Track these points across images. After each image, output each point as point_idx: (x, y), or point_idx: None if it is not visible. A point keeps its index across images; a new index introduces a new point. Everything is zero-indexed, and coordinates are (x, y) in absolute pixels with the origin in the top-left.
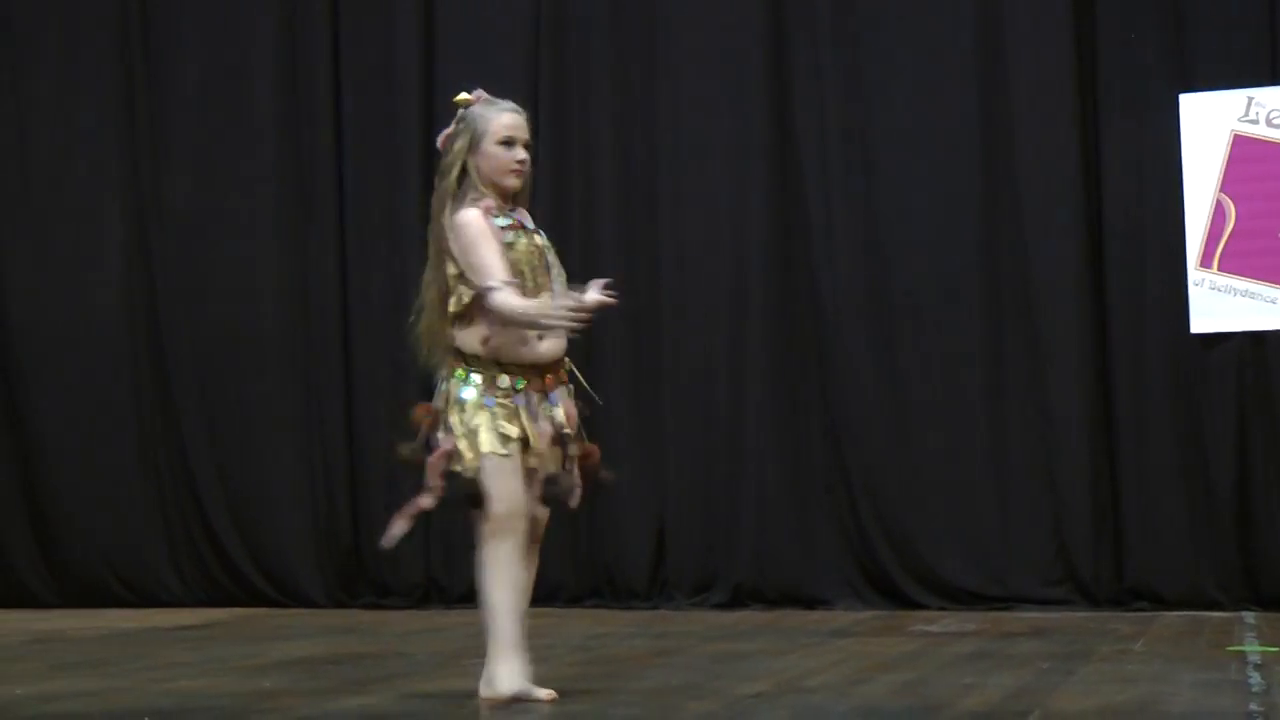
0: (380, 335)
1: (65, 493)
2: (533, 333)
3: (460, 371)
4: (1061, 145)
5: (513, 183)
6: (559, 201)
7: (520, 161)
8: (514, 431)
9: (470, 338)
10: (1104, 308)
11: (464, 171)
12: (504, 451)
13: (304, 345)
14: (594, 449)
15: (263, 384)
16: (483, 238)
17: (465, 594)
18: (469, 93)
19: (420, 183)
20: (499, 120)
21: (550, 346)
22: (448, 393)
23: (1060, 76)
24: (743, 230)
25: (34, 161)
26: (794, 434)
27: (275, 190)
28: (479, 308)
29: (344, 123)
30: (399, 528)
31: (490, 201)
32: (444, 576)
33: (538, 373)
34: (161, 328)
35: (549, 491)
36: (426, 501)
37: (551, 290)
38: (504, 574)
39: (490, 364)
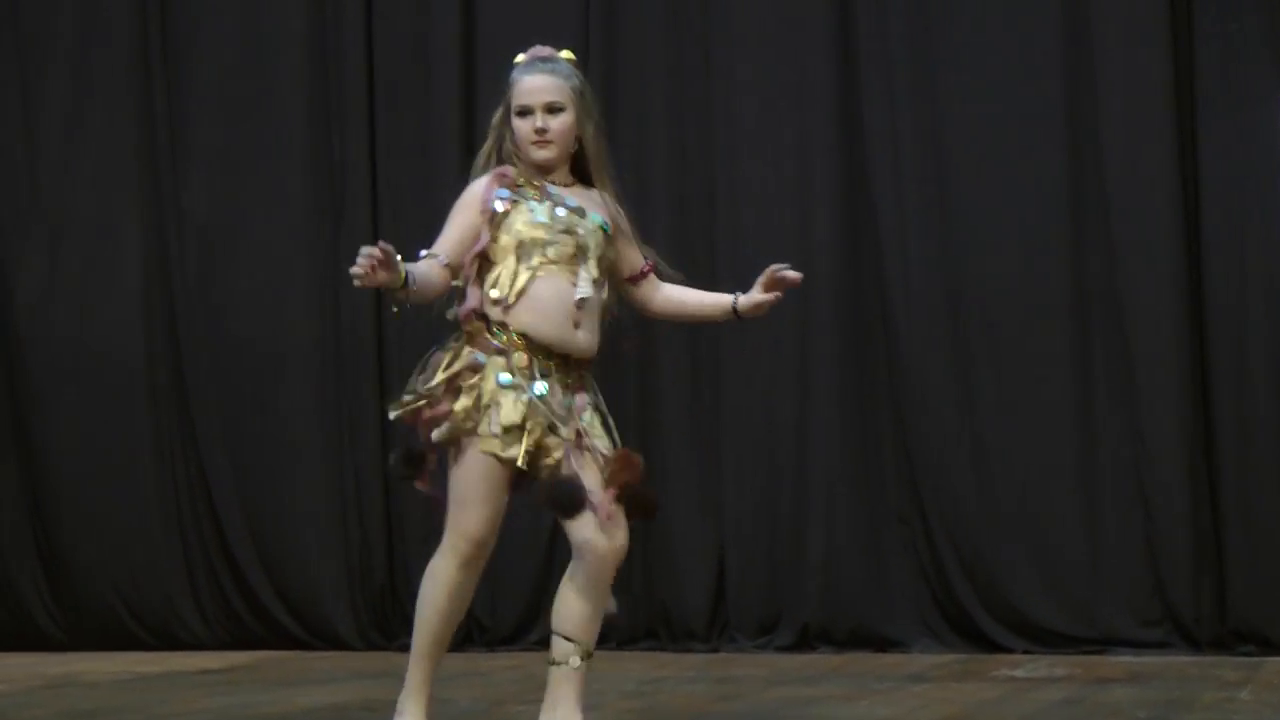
0: (418, 352)
1: (77, 525)
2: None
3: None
4: (1155, 143)
5: (538, 155)
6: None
7: (539, 130)
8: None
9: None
10: (1202, 319)
11: (502, 142)
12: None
13: (335, 364)
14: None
15: (291, 406)
16: (458, 209)
17: (509, 635)
18: (525, 53)
19: (459, 185)
20: (518, 86)
21: (580, 339)
22: (443, 361)
23: (1154, 69)
24: (807, 236)
25: (44, 168)
26: (864, 459)
27: (304, 196)
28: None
29: (377, 122)
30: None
31: (507, 169)
32: (486, 616)
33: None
34: (181, 346)
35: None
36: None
37: (577, 277)
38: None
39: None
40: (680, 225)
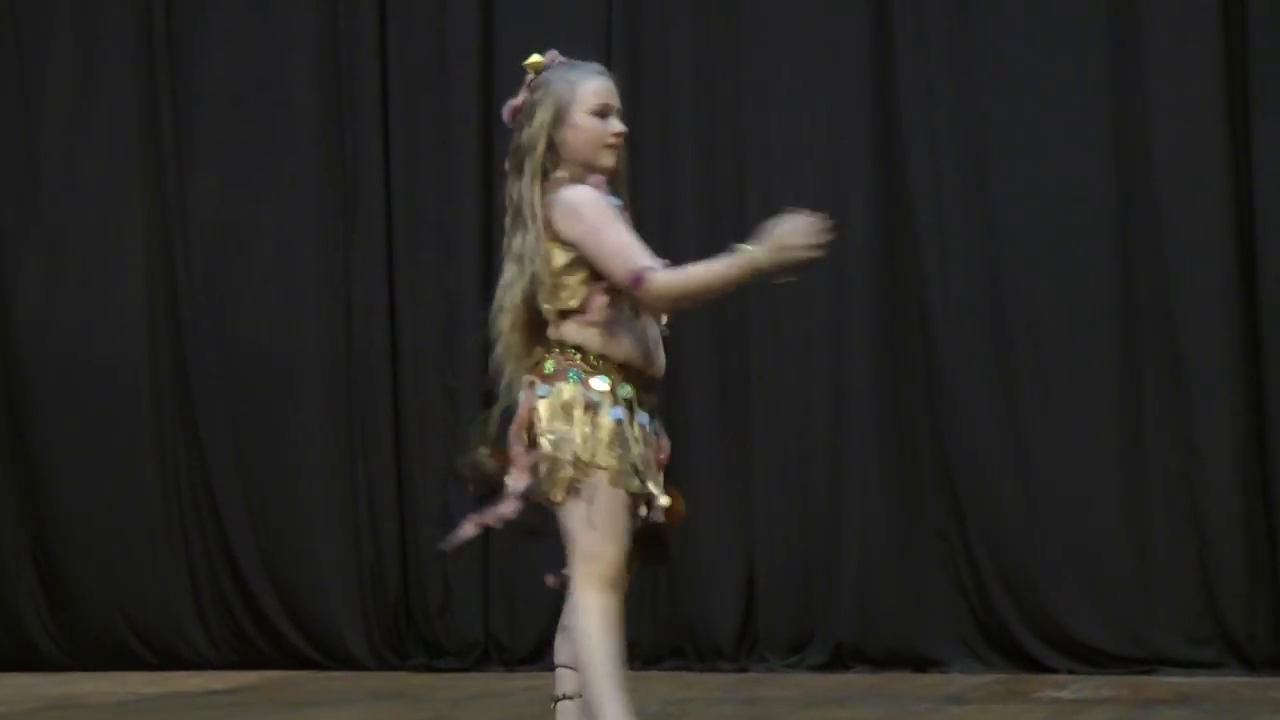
0: (433, 361)
1: (77, 540)
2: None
3: (577, 371)
4: (1206, 140)
5: (608, 161)
6: (632, 206)
7: (618, 135)
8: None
9: (590, 333)
10: (1257, 329)
11: (550, 149)
12: (634, 483)
13: (347, 373)
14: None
15: (301, 416)
16: (609, 217)
17: (529, 654)
18: (541, 54)
19: (478, 186)
20: (587, 85)
21: (663, 361)
22: (546, 399)
23: (1206, 67)
24: (841, 239)
25: (45, 168)
26: (901, 471)
27: (315, 198)
28: (603, 305)
29: (391, 121)
30: (468, 530)
31: (599, 178)
32: (505, 634)
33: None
34: (187, 354)
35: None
36: (509, 508)
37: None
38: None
39: (613, 368)
40: (709, 231)
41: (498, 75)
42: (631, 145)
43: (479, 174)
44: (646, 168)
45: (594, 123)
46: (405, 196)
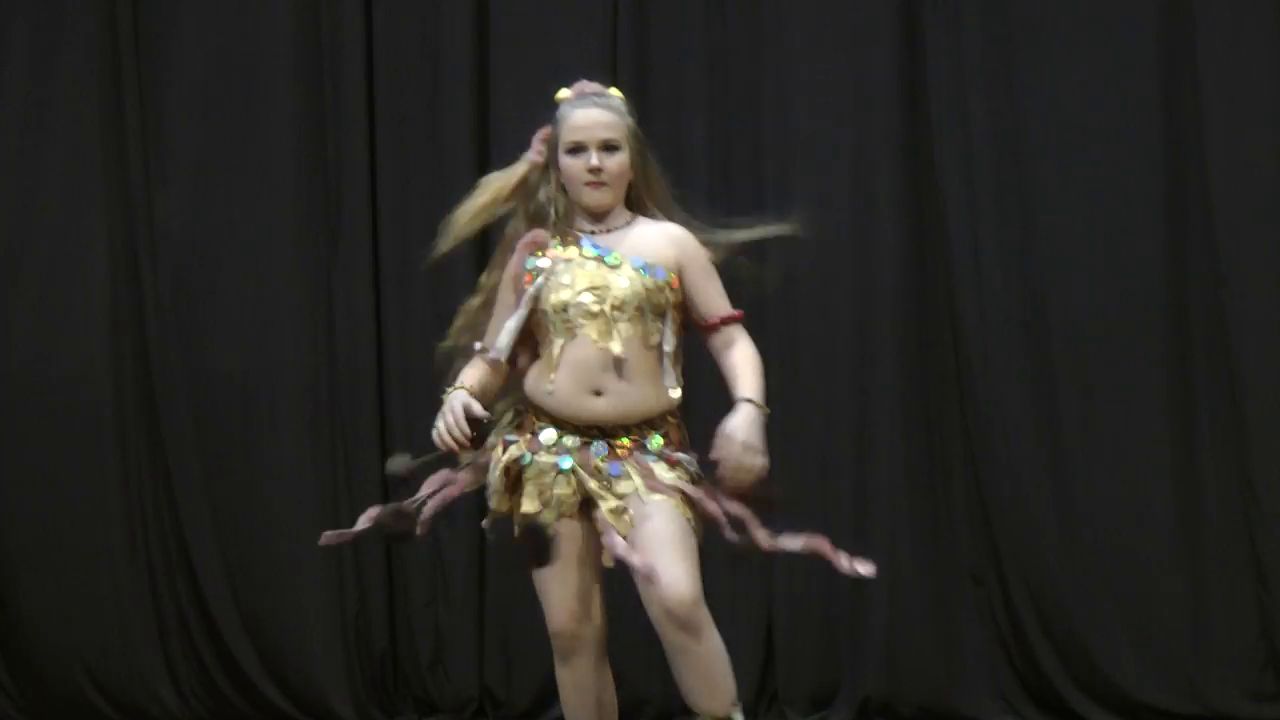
0: (424, 391)
1: (35, 588)
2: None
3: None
4: (1266, 142)
5: (592, 199)
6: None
7: (594, 170)
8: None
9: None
10: None
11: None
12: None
13: (329, 400)
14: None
15: (279, 448)
16: (501, 289)
17: (527, 709)
18: (569, 87)
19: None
20: (566, 122)
21: (602, 405)
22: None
23: (1263, 69)
24: (868, 251)
25: None
26: (932, 506)
27: (294, 209)
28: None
29: (378, 126)
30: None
31: (539, 233)
32: (501, 688)
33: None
34: (155, 382)
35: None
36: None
37: (610, 345)
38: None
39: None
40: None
41: (494, 76)
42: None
43: (472, 182)
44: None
45: (569, 161)
46: (393, 208)
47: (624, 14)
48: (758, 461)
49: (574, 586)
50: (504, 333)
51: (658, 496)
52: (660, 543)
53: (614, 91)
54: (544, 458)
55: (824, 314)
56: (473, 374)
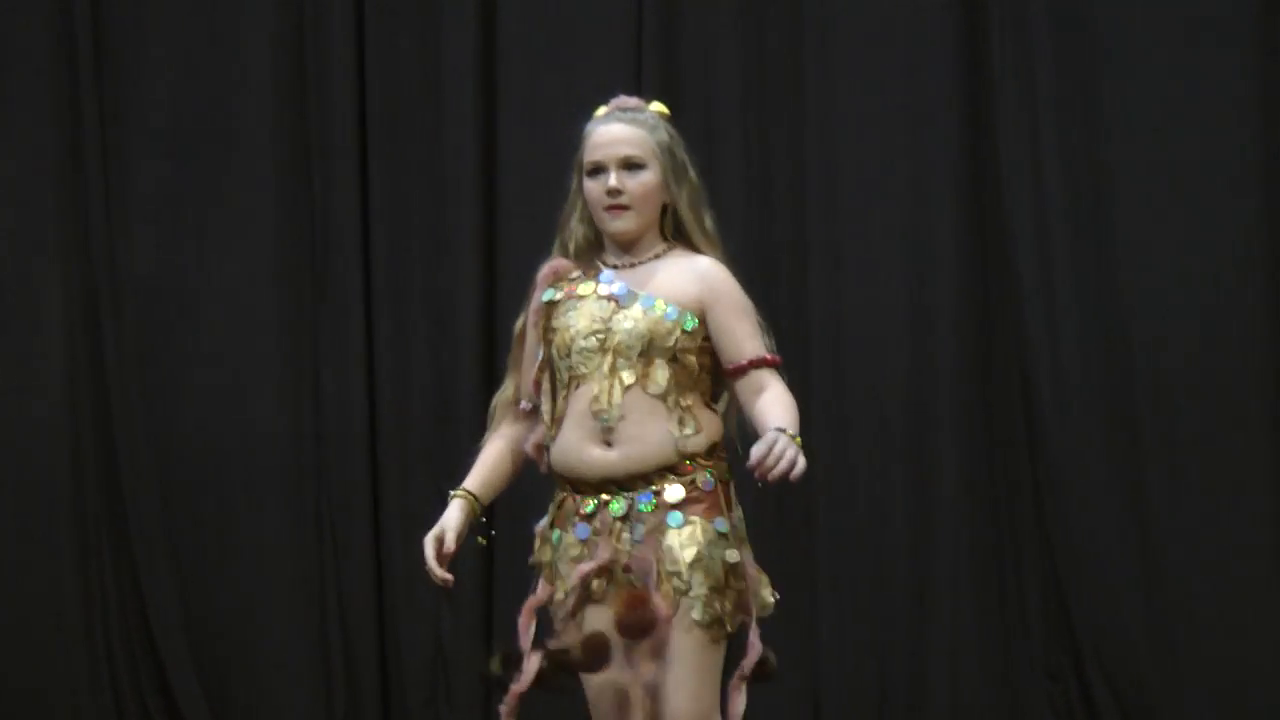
0: (422, 455)
1: None
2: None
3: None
4: None
5: (613, 225)
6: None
7: (613, 192)
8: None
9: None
10: None
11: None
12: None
13: (314, 469)
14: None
15: (258, 524)
16: (524, 329)
17: None
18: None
19: (478, 241)
20: (589, 140)
21: (613, 456)
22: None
23: None
24: (925, 293)
25: None
26: (1000, 591)
27: (276, 255)
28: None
29: (371, 162)
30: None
31: (559, 261)
32: None
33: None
34: (116, 442)
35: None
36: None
37: (612, 392)
38: None
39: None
40: (762, 283)
41: (502, 106)
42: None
43: (478, 226)
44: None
45: (588, 184)
46: (387, 253)
47: (647, 50)
48: (794, 451)
49: (616, 691)
50: (527, 378)
51: (683, 593)
52: (672, 655)
53: (654, 106)
54: (570, 534)
55: (879, 375)
56: (485, 460)
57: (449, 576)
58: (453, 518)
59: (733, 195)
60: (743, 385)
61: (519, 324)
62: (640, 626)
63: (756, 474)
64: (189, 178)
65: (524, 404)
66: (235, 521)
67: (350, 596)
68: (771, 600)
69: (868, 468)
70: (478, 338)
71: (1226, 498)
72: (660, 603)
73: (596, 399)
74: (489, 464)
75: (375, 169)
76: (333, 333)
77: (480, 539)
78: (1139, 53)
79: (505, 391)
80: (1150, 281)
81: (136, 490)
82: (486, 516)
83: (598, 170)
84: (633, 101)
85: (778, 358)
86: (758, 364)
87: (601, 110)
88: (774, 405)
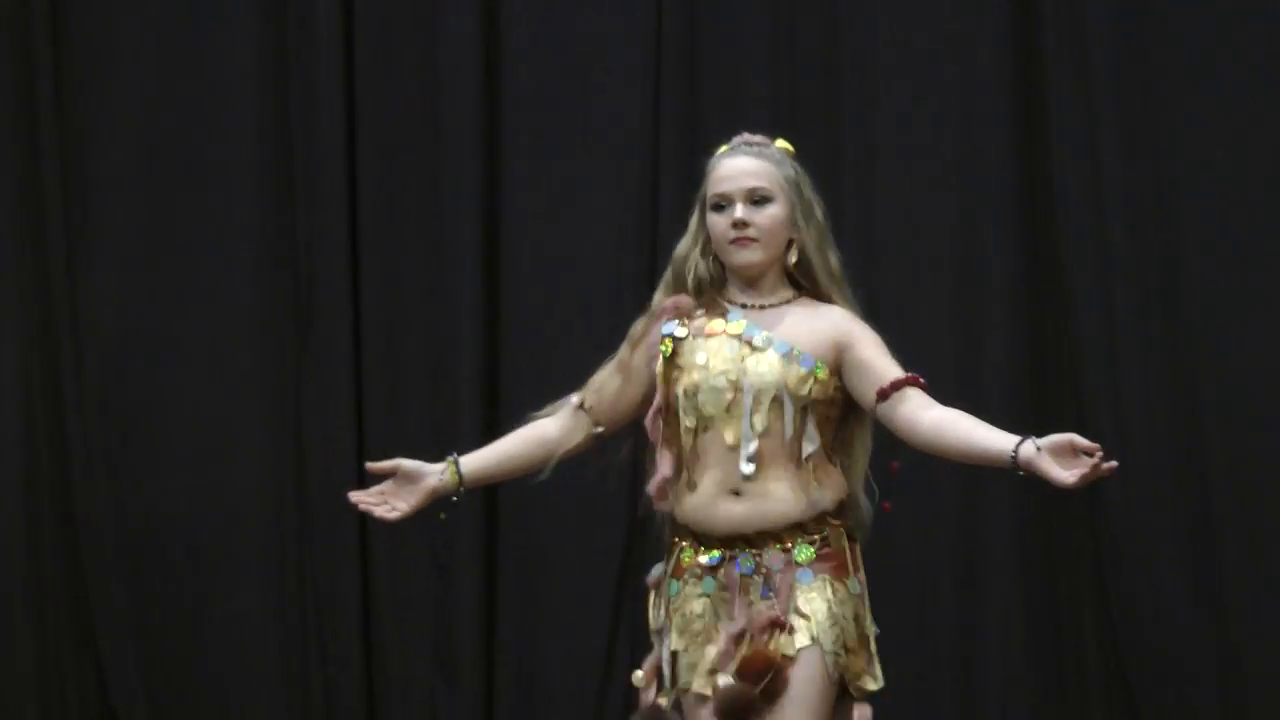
0: (418, 524)
1: None
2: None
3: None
4: None
5: (739, 258)
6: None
7: (739, 224)
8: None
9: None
10: None
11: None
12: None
13: (298, 538)
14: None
15: (234, 601)
16: (626, 349)
17: None
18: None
19: (479, 276)
20: (713, 174)
21: (741, 510)
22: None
23: None
24: (972, 342)
25: None
26: (1059, 674)
27: (254, 295)
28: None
29: (361, 191)
30: None
31: (685, 300)
32: None
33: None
34: (77, 511)
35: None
36: None
37: (740, 443)
38: None
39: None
40: None
41: (505, 127)
42: (683, 204)
43: (478, 269)
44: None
45: (713, 219)
46: (379, 292)
47: (667, 61)
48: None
49: None
50: (603, 384)
51: (799, 640)
52: (789, 702)
53: (780, 143)
54: (690, 586)
55: None
56: (503, 445)
57: (380, 466)
58: (427, 465)
59: None
60: (897, 404)
61: (637, 327)
62: (764, 680)
63: (1095, 463)
64: (160, 208)
65: (576, 400)
66: (209, 596)
67: (340, 679)
68: (879, 683)
69: (914, 537)
70: (476, 390)
71: None
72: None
73: (731, 445)
74: (503, 452)
75: (365, 206)
76: (319, 381)
77: (441, 514)
78: (1208, 53)
79: (585, 389)
80: (1223, 325)
81: (99, 561)
82: (457, 496)
83: (723, 203)
84: (757, 137)
85: (923, 380)
86: (911, 382)
87: (725, 146)
88: (975, 422)
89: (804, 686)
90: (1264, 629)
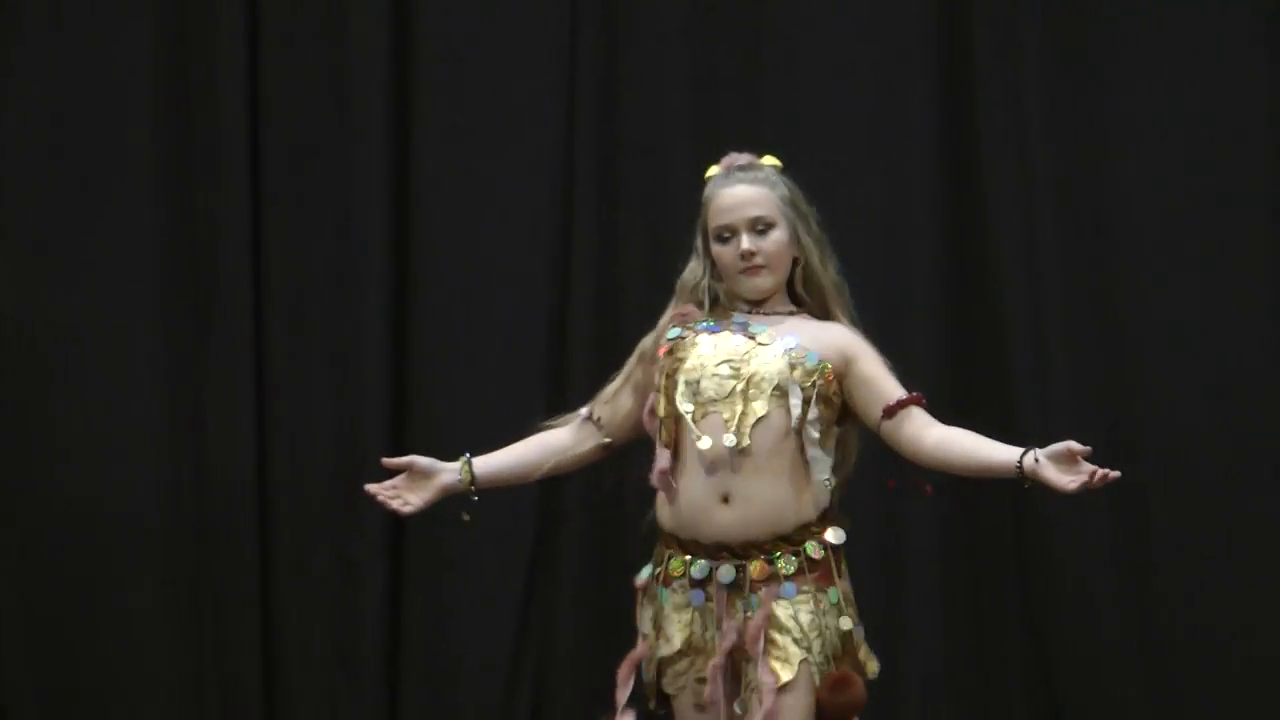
0: (323, 519)
1: None
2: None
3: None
4: None
5: (749, 285)
6: (608, 270)
7: (747, 255)
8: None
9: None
10: None
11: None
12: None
13: (196, 536)
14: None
15: (129, 592)
16: (634, 359)
17: None
18: (719, 164)
19: (387, 273)
20: (713, 204)
21: (729, 519)
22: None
23: None
24: (896, 322)
25: None
26: (982, 673)
27: (152, 289)
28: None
29: (264, 185)
30: None
31: (693, 309)
32: None
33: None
34: None
35: None
36: None
37: (743, 420)
38: None
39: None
40: None
41: (417, 123)
42: (599, 190)
43: (387, 258)
44: (638, 229)
45: (720, 250)
46: (283, 287)
47: (582, 48)
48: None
49: None
50: (613, 396)
51: (787, 671)
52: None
53: (767, 159)
54: (679, 595)
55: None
56: (515, 450)
57: (395, 461)
58: (440, 463)
59: (675, 224)
60: (902, 423)
61: (647, 343)
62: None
63: (1095, 471)
64: (51, 202)
65: (585, 412)
66: (104, 597)
67: (235, 684)
68: (876, 668)
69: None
70: (386, 381)
71: (1248, 577)
72: (773, 669)
73: (727, 423)
74: (515, 455)
75: (268, 191)
76: (220, 375)
77: (465, 515)
78: (1145, 54)
79: (595, 401)
80: (1160, 323)
81: None
82: (470, 492)
83: (728, 235)
84: (744, 158)
85: (924, 399)
86: (915, 402)
87: (714, 170)
88: (977, 438)
89: (790, 715)
90: (1189, 606)
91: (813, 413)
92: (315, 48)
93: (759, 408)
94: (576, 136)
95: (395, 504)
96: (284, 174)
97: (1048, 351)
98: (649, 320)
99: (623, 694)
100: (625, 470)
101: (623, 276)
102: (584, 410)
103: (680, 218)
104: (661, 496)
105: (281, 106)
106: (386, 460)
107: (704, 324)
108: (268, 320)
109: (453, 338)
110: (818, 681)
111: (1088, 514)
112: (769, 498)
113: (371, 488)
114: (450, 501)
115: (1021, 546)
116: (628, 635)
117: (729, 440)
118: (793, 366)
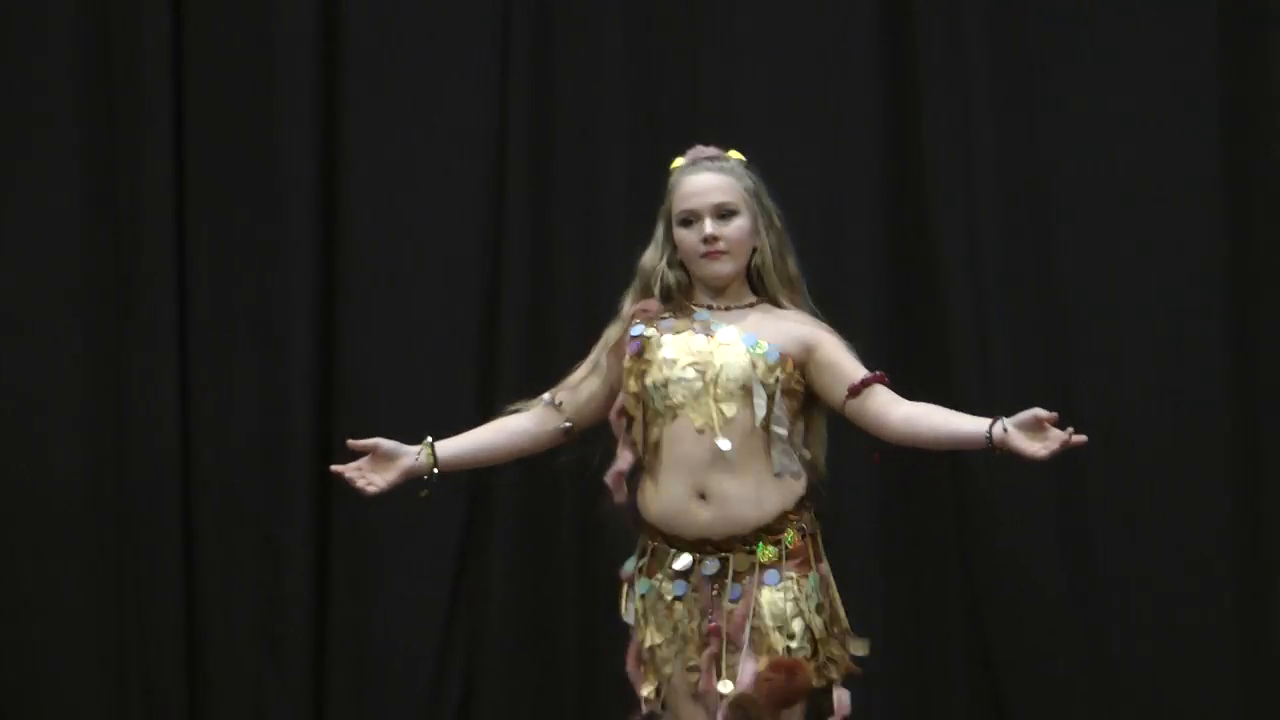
0: (246, 499)
1: None
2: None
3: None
4: None
5: (710, 270)
6: (542, 244)
7: (709, 239)
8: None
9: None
10: None
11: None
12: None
13: (115, 514)
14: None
15: (49, 576)
16: (598, 350)
17: None
18: (685, 155)
19: (314, 245)
20: (678, 190)
21: (707, 516)
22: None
23: None
24: (837, 306)
25: None
26: (925, 668)
27: (72, 264)
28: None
29: (187, 155)
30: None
31: (651, 302)
32: None
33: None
34: None
35: None
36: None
37: (714, 435)
38: None
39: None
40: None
41: (348, 84)
42: (535, 185)
43: (314, 234)
44: (573, 222)
45: (682, 234)
46: (208, 262)
47: (515, 35)
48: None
49: None
50: (578, 383)
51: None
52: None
53: (733, 154)
54: (666, 585)
55: None
56: (479, 433)
57: (360, 443)
58: (404, 446)
59: (613, 210)
60: (866, 401)
61: (610, 332)
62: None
63: (1062, 436)
64: None
65: (548, 398)
66: (20, 573)
67: (157, 668)
68: (864, 647)
69: None
70: (313, 356)
71: (1184, 563)
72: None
73: (702, 430)
74: (477, 439)
75: (192, 168)
76: (141, 352)
77: (422, 491)
78: (1090, 49)
79: (559, 387)
80: (1098, 310)
81: None
82: (429, 476)
83: (691, 219)
84: (710, 150)
85: (885, 376)
86: (878, 380)
87: (680, 160)
88: (945, 412)
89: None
90: (1132, 595)
91: (778, 407)
92: (242, 26)
93: (729, 409)
94: (510, 116)
95: (361, 484)
96: (209, 149)
97: (989, 336)
98: (582, 298)
99: (645, 687)
100: (558, 456)
101: (556, 256)
102: (546, 395)
103: (616, 201)
104: (643, 489)
105: (207, 83)
106: (352, 442)
107: (666, 320)
108: (191, 296)
109: (381, 316)
110: (810, 669)
111: (1027, 490)
112: (744, 494)
113: (338, 468)
114: (411, 482)
115: (963, 527)
116: (558, 617)
117: (724, 445)
118: (754, 364)
